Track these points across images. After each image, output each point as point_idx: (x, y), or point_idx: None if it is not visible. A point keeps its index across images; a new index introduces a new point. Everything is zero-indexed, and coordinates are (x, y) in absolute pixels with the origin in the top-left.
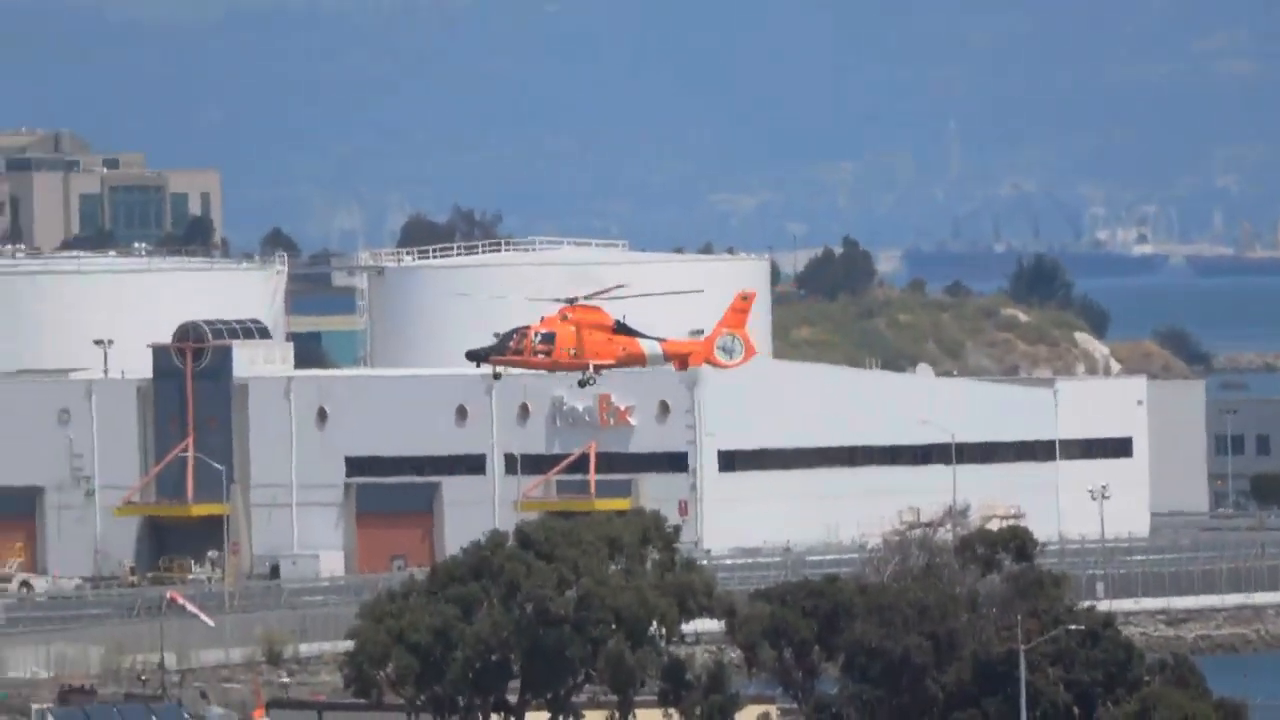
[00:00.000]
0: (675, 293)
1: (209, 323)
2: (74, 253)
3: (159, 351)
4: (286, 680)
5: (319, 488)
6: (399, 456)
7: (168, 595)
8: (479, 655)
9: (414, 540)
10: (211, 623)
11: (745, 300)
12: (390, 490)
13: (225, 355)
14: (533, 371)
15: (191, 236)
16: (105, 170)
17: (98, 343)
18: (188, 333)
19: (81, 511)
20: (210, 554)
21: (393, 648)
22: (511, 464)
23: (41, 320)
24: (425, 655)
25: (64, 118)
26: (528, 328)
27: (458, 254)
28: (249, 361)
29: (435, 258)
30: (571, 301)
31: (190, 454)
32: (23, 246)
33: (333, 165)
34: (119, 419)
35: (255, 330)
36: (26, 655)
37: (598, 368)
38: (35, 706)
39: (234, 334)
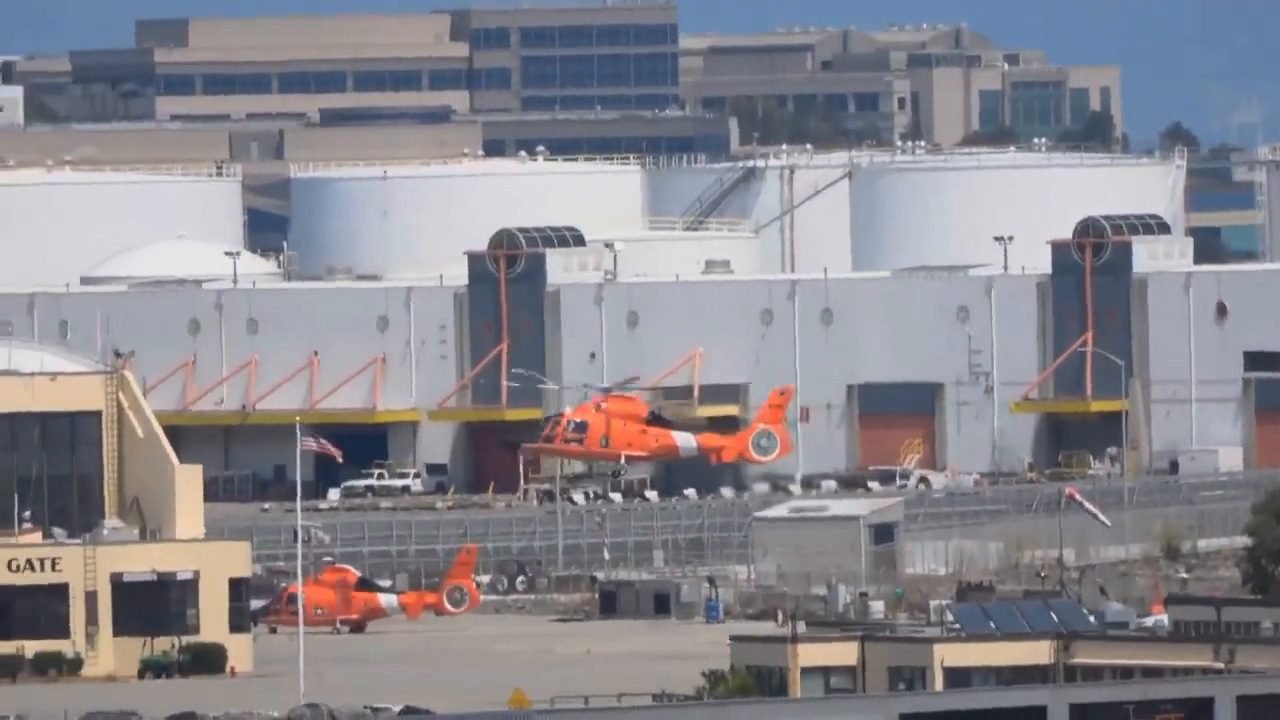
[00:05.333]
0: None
1: (1108, 218)
2: (973, 149)
3: (1059, 247)
4: (1185, 576)
5: (1218, 383)
6: None
7: (1066, 491)
8: None
9: None
10: (1109, 523)
11: (782, 396)
12: None
13: (1125, 251)
14: None
15: (1091, 132)
16: (1006, 66)
17: (998, 239)
18: (1088, 229)
19: (980, 408)
20: (1109, 450)
21: None
22: None
23: (941, 217)
24: None
25: (965, 12)
26: (560, 416)
27: None
28: (1149, 256)
29: None
30: (606, 391)
31: (1089, 349)
32: (923, 143)
33: (1233, 58)
34: (1018, 315)
35: (1155, 225)
36: (925, 551)
37: (629, 459)
38: (934, 602)
39: (1134, 230)
